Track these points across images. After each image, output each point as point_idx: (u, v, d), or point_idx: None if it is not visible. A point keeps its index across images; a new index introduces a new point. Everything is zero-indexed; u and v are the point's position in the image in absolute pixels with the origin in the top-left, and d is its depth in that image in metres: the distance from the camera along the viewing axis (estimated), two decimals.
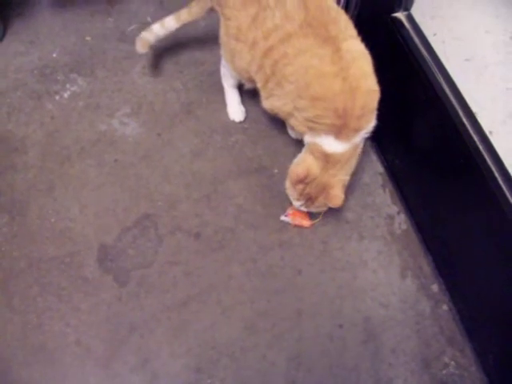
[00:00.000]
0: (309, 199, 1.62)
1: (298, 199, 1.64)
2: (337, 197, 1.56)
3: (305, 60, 1.45)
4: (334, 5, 1.54)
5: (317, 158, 1.55)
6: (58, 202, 1.86)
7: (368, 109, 1.50)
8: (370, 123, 1.54)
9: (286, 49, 1.47)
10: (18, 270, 1.75)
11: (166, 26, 1.94)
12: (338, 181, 1.58)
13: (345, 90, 1.42)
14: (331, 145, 1.51)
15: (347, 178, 1.63)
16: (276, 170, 1.92)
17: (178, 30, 1.97)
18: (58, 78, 2.16)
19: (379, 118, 1.90)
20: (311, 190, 1.59)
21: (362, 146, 1.61)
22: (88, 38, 2.24)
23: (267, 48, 1.50)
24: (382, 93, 1.84)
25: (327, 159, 1.54)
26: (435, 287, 1.73)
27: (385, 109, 1.84)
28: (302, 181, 1.55)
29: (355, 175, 1.88)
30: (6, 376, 1.58)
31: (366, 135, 1.57)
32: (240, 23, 1.57)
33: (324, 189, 1.57)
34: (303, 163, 1.57)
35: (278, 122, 1.94)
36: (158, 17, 2.18)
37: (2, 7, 2.32)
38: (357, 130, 1.50)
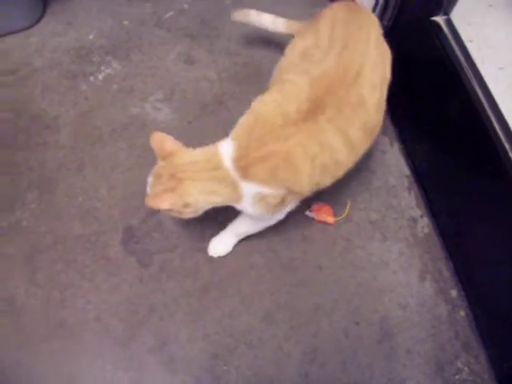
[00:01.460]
0: (156, 175, 1.43)
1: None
2: (152, 198, 1.36)
3: None
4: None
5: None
6: (87, 181, 1.89)
7: None
8: None
9: None
10: (43, 245, 1.78)
11: (275, 23, 1.94)
12: (185, 188, 1.37)
13: None
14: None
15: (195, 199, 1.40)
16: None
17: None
18: (94, 59, 2.19)
19: (411, 120, 1.91)
20: (163, 171, 1.41)
21: None
22: (125, 22, 2.26)
23: None
24: (416, 95, 1.85)
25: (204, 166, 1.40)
26: (454, 292, 1.74)
27: (417, 112, 1.86)
28: (163, 152, 1.41)
29: (382, 176, 1.90)
30: (26, 348, 1.62)
31: None
32: None
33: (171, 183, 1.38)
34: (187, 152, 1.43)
35: None
36: (196, 5, 2.22)
37: None
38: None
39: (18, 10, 2.18)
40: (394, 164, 1.97)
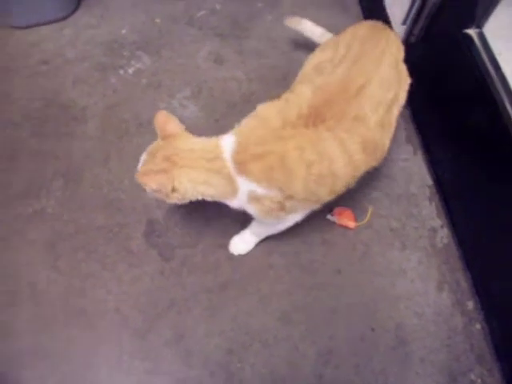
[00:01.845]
0: (151, 154, 1.46)
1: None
2: (143, 175, 1.38)
3: None
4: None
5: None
6: (112, 173, 1.92)
7: None
8: None
9: None
10: (66, 233, 1.81)
11: (324, 36, 1.96)
12: (178, 173, 1.38)
13: None
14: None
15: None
16: None
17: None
18: (125, 53, 2.22)
19: (436, 129, 1.91)
20: (160, 151, 1.43)
21: None
22: (157, 19, 2.29)
23: None
24: (443, 105, 1.85)
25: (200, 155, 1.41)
26: (470, 304, 1.74)
27: (443, 122, 1.86)
28: (164, 132, 1.44)
29: (403, 184, 1.91)
30: (45, 333, 1.65)
31: None
32: None
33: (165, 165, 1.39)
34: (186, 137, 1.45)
35: None
36: (228, 5, 2.25)
37: None
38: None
39: (53, 1, 2.21)
40: (417, 173, 1.97)
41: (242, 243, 1.79)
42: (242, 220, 1.79)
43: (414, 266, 1.79)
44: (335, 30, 2.21)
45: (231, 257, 1.77)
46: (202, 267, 1.76)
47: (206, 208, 1.83)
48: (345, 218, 1.82)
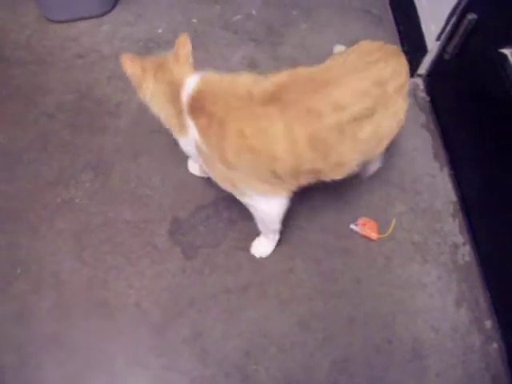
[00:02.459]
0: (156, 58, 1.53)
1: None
2: (127, 57, 1.47)
3: None
4: None
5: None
6: (142, 169, 1.95)
7: None
8: None
9: None
10: (93, 225, 1.84)
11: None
12: (147, 77, 1.47)
13: None
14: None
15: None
16: (353, 179, 1.95)
17: None
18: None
19: (464, 147, 1.92)
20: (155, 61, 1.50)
21: None
22: (194, 21, 2.32)
23: None
24: (473, 124, 1.86)
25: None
26: (488, 323, 1.74)
27: (473, 140, 1.87)
28: (177, 50, 1.51)
29: (428, 200, 1.91)
30: (66, 322, 1.68)
31: None
32: None
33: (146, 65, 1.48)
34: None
35: None
36: (263, 11, 2.27)
37: None
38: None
39: None
40: (442, 189, 1.98)
41: (261, 245, 1.81)
42: None
43: (434, 281, 1.80)
44: None
45: (253, 259, 1.79)
46: (223, 268, 1.78)
47: (232, 210, 1.86)
48: (368, 229, 1.83)
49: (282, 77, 1.43)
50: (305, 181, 1.52)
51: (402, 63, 1.58)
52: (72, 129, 2.03)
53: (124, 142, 2.01)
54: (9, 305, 1.70)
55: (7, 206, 1.87)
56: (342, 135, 1.44)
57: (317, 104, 1.39)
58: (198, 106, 1.40)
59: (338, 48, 2.00)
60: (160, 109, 1.50)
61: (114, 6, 2.36)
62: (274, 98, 1.38)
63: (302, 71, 1.45)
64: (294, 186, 1.52)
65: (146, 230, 1.83)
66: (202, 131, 1.41)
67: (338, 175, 1.54)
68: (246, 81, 1.46)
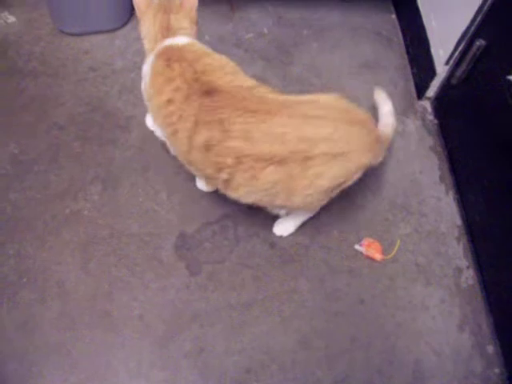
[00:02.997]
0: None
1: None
2: None
3: None
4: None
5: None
6: (149, 183, 1.97)
7: None
8: None
9: None
10: (99, 237, 1.86)
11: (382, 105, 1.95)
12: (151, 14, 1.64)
13: None
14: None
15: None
16: (358, 199, 1.97)
17: None
18: None
19: (471, 172, 1.93)
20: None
21: None
22: (207, 37, 2.34)
23: None
24: (480, 149, 1.87)
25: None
26: (490, 348, 1.74)
27: (479, 165, 1.88)
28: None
29: (433, 222, 1.92)
30: (70, 332, 1.70)
31: None
32: None
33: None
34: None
35: None
36: (275, 31, 2.29)
37: None
38: None
39: (108, 11, 2.29)
40: (447, 212, 1.99)
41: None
42: (270, 242, 1.83)
43: (437, 304, 1.80)
44: (377, 65, 2.26)
45: (257, 277, 1.80)
46: (227, 284, 1.79)
47: (238, 227, 1.87)
48: (372, 250, 1.84)
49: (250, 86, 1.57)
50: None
51: (360, 134, 1.55)
52: (82, 141, 2.05)
53: (133, 155, 2.03)
54: (14, 313, 1.71)
55: (16, 215, 1.88)
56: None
57: (232, 122, 1.43)
58: (167, 57, 1.52)
59: (378, 93, 1.99)
60: (146, 32, 1.66)
61: (127, 22, 2.39)
62: (210, 95, 1.45)
63: (262, 90, 1.57)
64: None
65: (151, 243, 1.85)
66: (152, 79, 1.55)
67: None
68: (223, 68, 1.62)
